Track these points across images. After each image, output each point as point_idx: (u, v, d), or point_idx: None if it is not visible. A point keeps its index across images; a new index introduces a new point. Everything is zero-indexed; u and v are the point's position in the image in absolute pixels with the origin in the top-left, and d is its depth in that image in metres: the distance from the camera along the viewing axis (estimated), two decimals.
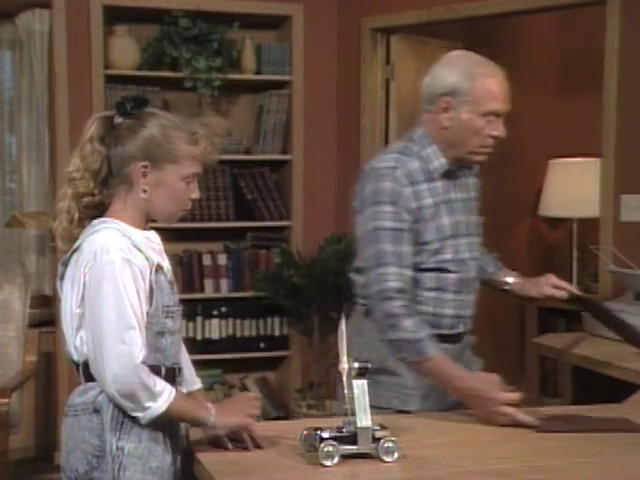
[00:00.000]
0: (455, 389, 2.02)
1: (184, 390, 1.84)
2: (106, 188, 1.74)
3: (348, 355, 1.73)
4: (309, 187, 4.38)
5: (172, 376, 1.75)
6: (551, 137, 5.02)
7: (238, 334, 4.29)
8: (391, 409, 2.13)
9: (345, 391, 1.72)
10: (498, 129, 2.16)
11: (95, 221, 1.73)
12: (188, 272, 4.25)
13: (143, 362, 1.64)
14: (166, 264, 1.78)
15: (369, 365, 1.73)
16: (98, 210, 1.75)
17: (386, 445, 1.69)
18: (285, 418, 4.14)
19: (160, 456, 1.71)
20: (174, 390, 1.68)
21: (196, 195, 1.77)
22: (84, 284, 1.67)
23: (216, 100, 4.26)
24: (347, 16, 4.34)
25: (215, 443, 1.77)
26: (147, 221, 1.77)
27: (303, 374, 4.36)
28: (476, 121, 2.13)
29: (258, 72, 4.31)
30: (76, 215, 1.74)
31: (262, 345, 4.33)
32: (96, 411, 1.69)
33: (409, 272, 2.07)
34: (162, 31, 4.12)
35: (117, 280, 1.64)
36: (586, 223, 4.60)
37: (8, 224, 4.06)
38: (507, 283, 2.36)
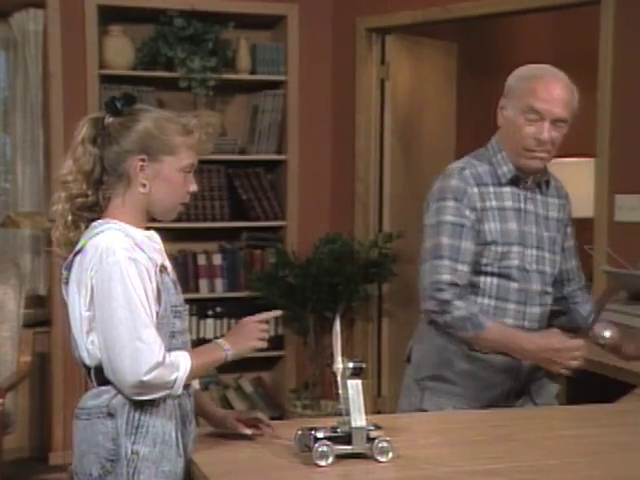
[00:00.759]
0: (524, 351, 2.07)
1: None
2: (101, 188, 1.74)
3: (342, 355, 1.73)
4: (304, 187, 4.38)
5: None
6: None
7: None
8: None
9: (339, 391, 1.72)
10: (539, 130, 2.12)
11: (96, 222, 1.72)
12: (183, 272, 4.24)
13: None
14: (168, 264, 1.78)
15: (364, 365, 1.73)
16: (93, 212, 1.75)
17: (380, 445, 1.69)
18: (280, 418, 4.14)
19: (173, 459, 1.70)
20: (186, 353, 1.69)
21: (194, 188, 1.77)
22: (92, 287, 1.66)
23: (211, 100, 4.25)
24: (342, 16, 4.34)
25: (232, 433, 1.80)
26: (146, 219, 1.77)
27: (298, 374, 4.36)
28: (517, 118, 2.14)
29: (253, 72, 4.30)
30: (69, 217, 1.73)
31: None
32: (110, 415, 1.67)
33: (466, 268, 2.12)
34: (157, 31, 4.11)
35: (125, 280, 1.63)
36: (580, 223, 4.57)
37: (2, 224, 4.05)
38: (603, 338, 2.29)
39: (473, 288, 2.15)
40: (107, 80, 4.04)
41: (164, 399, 1.68)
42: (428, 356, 2.24)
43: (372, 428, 1.72)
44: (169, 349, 1.69)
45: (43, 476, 3.81)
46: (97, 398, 1.70)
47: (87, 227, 1.73)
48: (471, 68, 4.68)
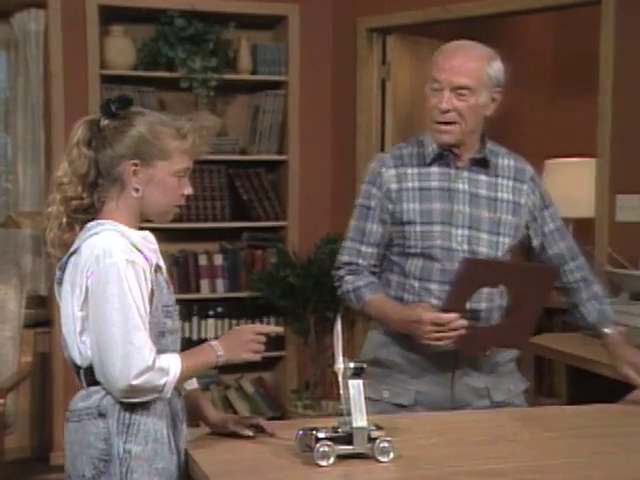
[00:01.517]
0: (392, 321, 2.12)
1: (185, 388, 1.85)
2: (96, 191, 1.74)
3: (344, 355, 1.73)
4: (305, 187, 4.38)
5: None
6: (546, 137, 5.02)
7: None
8: (383, 401, 2.17)
9: (341, 391, 1.72)
10: (440, 100, 2.09)
11: (92, 223, 1.72)
12: (184, 272, 4.25)
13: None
14: (162, 264, 1.78)
15: (365, 365, 1.73)
16: (88, 214, 1.75)
17: (382, 445, 1.69)
18: (281, 418, 4.14)
19: (166, 457, 1.71)
20: (177, 355, 1.69)
21: (188, 191, 1.77)
22: (87, 287, 1.66)
23: (212, 100, 4.25)
24: (343, 16, 4.34)
25: (234, 434, 1.81)
26: (141, 221, 1.77)
27: (299, 374, 4.36)
28: (427, 91, 2.14)
29: (254, 72, 4.31)
30: (64, 220, 1.74)
31: None
32: (101, 415, 1.68)
33: (370, 249, 2.18)
34: (158, 31, 4.11)
35: (122, 282, 1.63)
36: (581, 223, 4.60)
37: (4, 224, 4.06)
38: (602, 337, 2.23)
39: (400, 270, 2.17)
40: (108, 80, 4.04)
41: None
42: (367, 341, 2.29)
43: (373, 428, 1.72)
44: (158, 349, 1.69)
45: (44, 476, 3.81)
46: (87, 399, 1.70)
47: (82, 229, 1.73)
48: None
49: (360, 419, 1.69)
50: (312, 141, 4.38)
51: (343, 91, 4.37)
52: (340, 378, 1.72)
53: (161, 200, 1.74)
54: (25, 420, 3.97)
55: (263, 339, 1.76)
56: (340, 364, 1.72)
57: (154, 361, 1.63)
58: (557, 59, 5.09)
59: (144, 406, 1.68)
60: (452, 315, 2.01)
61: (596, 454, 1.79)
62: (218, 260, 4.31)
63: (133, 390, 1.63)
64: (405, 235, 2.15)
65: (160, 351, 1.70)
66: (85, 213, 1.75)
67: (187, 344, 4.46)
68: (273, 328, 1.88)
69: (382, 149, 4.30)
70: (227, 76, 4.20)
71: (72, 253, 1.71)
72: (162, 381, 1.65)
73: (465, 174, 2.16)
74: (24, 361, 3.57)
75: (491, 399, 2.18)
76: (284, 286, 4.13)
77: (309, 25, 4.34)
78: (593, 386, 2.83)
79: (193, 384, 1.90)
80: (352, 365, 1.72)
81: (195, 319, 4.25)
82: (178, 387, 1.76)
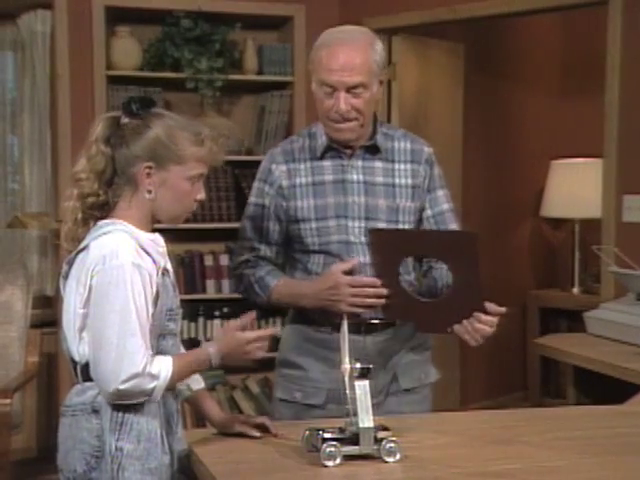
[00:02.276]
0: (305, 296, 2.07)
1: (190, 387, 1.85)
2: (111, 189, 1.75)
3: (350, 356, 1.73)
4: None
5: None
6: (553, 138, 5.02)
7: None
8: (296, 402, 2.15)
9: (347, 392, 1.72)
10: (337, 102, 2.02)
11: (102, 222, 1.72)
12: (190, 273, 4.25)
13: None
14: (170, 267, 1.78)
15: (371, 366, 1.73)
16: (103, 211, 1.75)
17: (388, 446, 1.69)
18: None
19: (159, 456, 1.71)
20: (169, 359, 1.68)
21: (202, 196, 1.77)
22: (91, 286, 1.66)
23: (218, 101, 4.25)
24: (349, 17, 4.33)
25: (240, 434, 1.81)
26: (152, 222, 1.77)
27: None
28: (317, 91, 2.07)
29: (260, 73, 4.30)
30: (80, 215, 1.74)
31: None
32: (95, 411, 1.69)
33: (269, 248, 2.15)
34: (164, 32, 4.12)
35: (126, 285, 1.63)
36: (588, 224, 4.60)
37: (10, 225, 4.06)
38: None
39: (303, 267, 2.12)
40: (114, 81, 4.04)
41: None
42: (281, 341, 2.25)
43: (380, 429, 1.72)
44: (158, 350, 1.70)
45: (50, 476, 3.80)
46: (82, 395, 1.71)
47: (95, 225, 1.74)
48: (478, 69, 4.68)
49: (366, 420, 1.69)
50: None
51: None
52: (346, 379, 1.71)
53: (173, 204, 1.74)
54: (31, 420, 3.97)
55: (261, 344, 1.75)
56: (346, 365, 1.72)
57: (144, 367, 1.63)
58: (564, 59, 5.09)
59: (138, 405, 1.68)
60: (370, 278, 1.97)
61: (604, 455, 1.78)
62: (224, 260, 4.30)
63: (120, 394, 1.64)
64: (301, 233, 2.11)
65: (159, 353, 1.71)
66: (100, 210, 1.75)
67: (193, 345, 4.45)
68: (269, 331, 1.84)
69: None
70: (233, 77, 4.20)
71: (81, 250, 1.71)
72: (151, 385, 1.65)
73: (359, 163, 2.11)
74: (30, 361, 3.58)
75: (398, 385, 2.14)
76: None
77: (315, 26, 4.32)
78: (600, 387, 2.83)
79: (200, 384, 1.90)
80: (358, 366, 1.72)
81: (201, 319, 4.24)
82: (174, 389, 1.76)
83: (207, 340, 4.22)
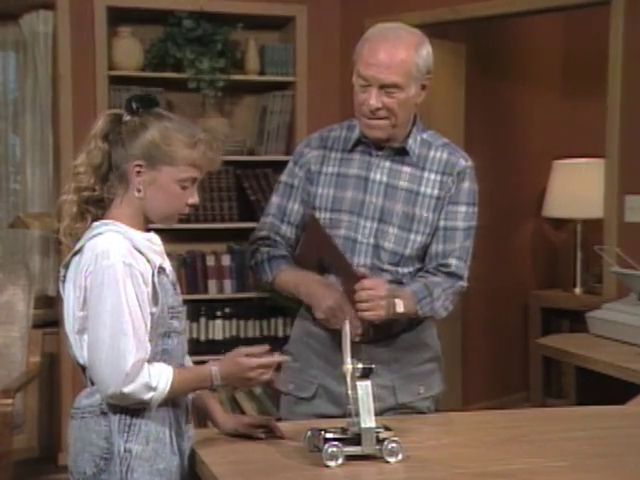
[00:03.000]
0: (300, 292, 2.05)
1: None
2: (106, 185, 1.75)
3: (352, 356, 1.73)
4: None
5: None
6: (555, 138, 5.02)
7: (242, 335, 4.29)
8: (288, 394, 2.14)
9: (349, 392, 1.71)
10: (368, 97, 1.99)
11: (97, 223, 1.73)
12: (192, 273, 4.25)
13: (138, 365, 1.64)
14: (168, 265, 1.78)
15: (373, 366, 1.73)
16: (99, 207, 1.75)
17: (390, 446, 1.69)
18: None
19: (167, 457, 1.71)
20: (171, 370, 1.67)
21: (193, 200, 1.75)
22: (85, 288, 1.67)
23: (220, 101, 4.26)
24: (350, 17, 4.34)
25: (245, 434, 1.81)
26: (147, 222, 1.77)
27: None
28: (355, 83, 2.04)
29: (262, 73, 4.31)
30: (75, 209, 1.74)
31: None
32: (103, 413, 1.69)
33: (289, 229, 2.13)
34: (166, 32, 4.12)
35: (117, 285, 1.63)
36: (590, 224, 4.60)
37: (12, 225, 4.07)
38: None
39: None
40: (116, 81, 4.04)
41: None
42: (291, 334, 2.24)
43: (382, 429, 1.71)
44: (163, 349, 1.70)
45: (52, 476, 3.82)
46: (90, 397, 1.71)
47: (93, 221, 1.74)
48: (480, 69, 4.67)
49: (368, 420, 1.69)
50: None
51: (351, 92, 4.36)
52: (348, 379, 1.71)
53: (162, 205, 1.74)
54: (33, 420, 3.98)
55: (267, 372, 1.74)
56: (348, 365, 1.72)
57: (134, 368, 1.62)
58: (565, 59, 5.08)
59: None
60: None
61: (606, 456, 1.78)
62: (226, 261, 4.31)
63: (120, 397, 1.63)
64: None
65: (165, 352, 1.71)
66: (95, 206, 1.75)
67: (195, 345, 4.45)
68: (276, 359, 1.80)
69: None
70: (235, 77, 4.20)
71: (76, 252, 1.72)
72: (147, 396, 1.64)
73: (386, 164, 2.07)
74: (32, 361, 3.58)
75: (396, 399, 2.08)
76: None
77: (317, 26, 4.34)
78: (602, 387, 2.82)
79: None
80: (360, 366, 1.72)
81: (203, 320, 4.25)
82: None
83: (208, 340, 4.23)
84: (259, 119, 4.39)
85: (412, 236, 2.06)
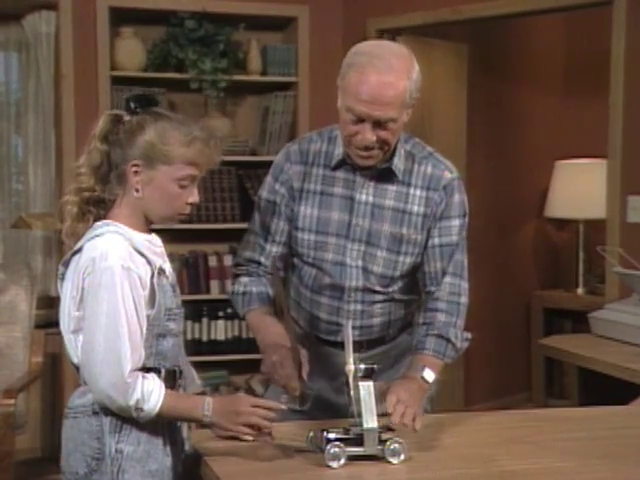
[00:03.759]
0: (258, 341, 1.94)
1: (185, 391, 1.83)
2: (107, 186, 1.74)
3: (354, 356, 1.73)
4: None
5: (172, 378, 1.74)
6: (557, 138, 5.01)
7: (244, 335, 4.29)
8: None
9: (351, 392, 1.71)
10: (362, 135, 1.86)
11: (98, 223, 1.72)
12: (194, 273, 4.25)
13: (136, 368, 1.64)
14: (168, 267, 1.77)
15: (375, 367, 1.73)
16: (100, 207, 1.75)
17: (392, 447, 1.69)
18: None
19: (160, 459, 1.71)
20: (164, 390, 1.66)
21: (193, 199, 1.73)
22: (82, 288, 1.67)
23: (222, 101, 4.26)
24: (353, 17, 4.34)
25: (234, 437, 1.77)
26: (148, 222, 1.76)
27: None
28: (341, 111, 1.90)
29: (264, 73, 4.31)
30: (75, 209, 1.74)
31: None
32: (95, 413, 1.69)
33: (276, 247, 2.03)
34: (168, 32, 4.12)
35: (114, 287, 1.63)
36: (592, 224, 4.59)
37: (14, 225, 4.07)
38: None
39: (297, 274, 2.04)
40: (118, 81, 4.05)
41: None
42: None
43: (384, 430, 1.71)
44: (158, 350, 1.70)
45: (54, 476, 3.81)
46: (83, 397, 1.71)
47: (95, 221, 1.73)
48: (482, 69, 4.67)
49: (371, 420, 1.69)
50: None
51: None
52: (350, 379, 1.71)
53: (160, 205, 1.72)
54: (36, 420, 3.98)
55: (262, 412, 1.68)
56: (350, 365, 1.72)
57: (131, 371, 1.61)
58: (568, 59, 5.08)
59: None
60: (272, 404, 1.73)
61: (609, 456, 1.78)
62: (228, 261, 4.30)
63: (108, 400, 1.63)
64: (298, 241, 2.01)
65: (159, 353, 1.71)
66: (96, 207, 1.75)
67: (197, 345, 4.46)
68: (274, 405, 1.73)
69: None
70: (237, 77, 4.20)
71: (75, 252, 1.71)
72: (134, 414, 1.64)
73: (372, 183, 1.97)
74: (35, 362, 3.58)
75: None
76: None
77: (319, 26, 4.34)
78: (604, 388, 2.82)
79: (198, 388, 1.89)
80: (362, 367, 1.72)
81: (205, 320, 4.25)
82: (177, 388, 1.75)
83: (210, 340, 4.23)
84: (261, 119, 4.39)
85: (401, 258, 1.99)
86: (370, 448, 1.69)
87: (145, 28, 4.15)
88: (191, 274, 4.25)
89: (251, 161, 4.36)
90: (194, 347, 3.98)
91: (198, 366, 1.93)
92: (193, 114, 4.21)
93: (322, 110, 4.36)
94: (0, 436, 3.11)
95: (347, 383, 1.71)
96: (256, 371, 4.36)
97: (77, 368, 1.73)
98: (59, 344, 4.20)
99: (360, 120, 1.86)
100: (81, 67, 4.01)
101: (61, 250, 3.93)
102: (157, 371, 1.71)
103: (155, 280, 1.70)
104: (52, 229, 4.09)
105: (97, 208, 1.75)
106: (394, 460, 1.69)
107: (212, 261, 4.30)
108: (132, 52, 4.08)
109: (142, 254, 1.69)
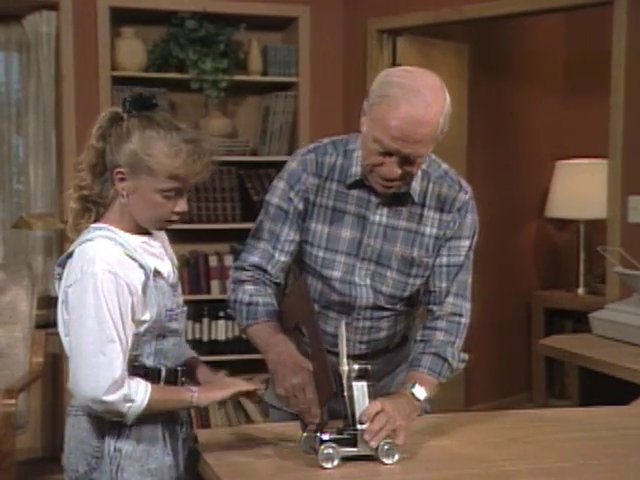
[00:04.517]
0: (267, 360, 1.84)
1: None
2: (104, 186, 1.73)
3: (348, 357, 1.72)
4: None
5: (174, 377, 1.74)
6: (558, 138, 5.01)
7: (244, 335, 4.28)
8: (282, 410, 1.95)
9: (345, 393, 1.70)
10: (388, 168, 1.81)
11: (92, 226, 1.71)
12: (194, 273, 4.25)
13: (123, 371, 1.63)
14: (166, 267, 1.76)
15: (369, 367, 1.72)
16: (99, 205, 1.74)
17: (386, 447, 1.68)
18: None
19: (159, 458, 1.71)
20: (149, 385, 1.66)
21: (180, 209, 1.70)
22: (70, 293, 1.67)
23: (222, 101, 4.26)
24: (353, 17, 4.34)
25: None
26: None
27: None
28: (367, 140, 1.83)
29: (264, 73, 4.31)
30: (75, 206, 1.73)
31: None
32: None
33: (283, 257, 1.95)
34: (169, 33, 4.12)
35: (99, 292, 1.62)
36: (593, 224, 4.59)
37: (15, 225, 4.07)
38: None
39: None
40: (119, 82, 4.05)
41: None
42: None
43: None
44: (159, 349, 1.70)
45: (55, 476, 3.82)
46: None
47: (95, 219, 1.73)
48: (482, 69, 4.67)
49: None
50: None
51: (353, 92, 4.36)
52: (344, 380, 1.71)
53: (143, 212, 1.70)
54: (36, 420, 3.98)
55: (248, 388, 1.74)
56: (344, 366, 1.71)
57: (122, 375, 1.61)
58: (568, 59, 5.08)
59: None
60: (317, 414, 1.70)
61: (610, 456, 1.78)
62: (228, 261, 4.31)
63: (100, 406, 1.62)
64: (307, 256, 1.96)
65: (159, 352, 1.71)
66: (96, 204, 1.73)
67: (198, 345, 4.46)
68: (253, 386, 1.77)
69: None
70: (238, 77, 4.20)
71: (69, 255, 1.71)
72: (125, 407, 1.63)
73: (387, 204, 1.92)
74: (35, 362, 3.58)
75: None
76: None
77: (320, 26, 4.34)
78: (604, 388, 2.82)
79: (190, 353, 1.88)
80: (356, 367, 1.71)
81: (205, 320, 4.25)
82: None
83: (211, 340, 4.23)
84: (262, 120, 4.39)
85: (411, 280, 1.97)
86: (364, 449, 1.68)
87: (146, 28, 4.15)
88: (192, 274, 4.25)
89: (252, 161, 4.36)
90: (194, 347, 3.92)
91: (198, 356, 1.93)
92: (194, 114, 4.23)
93: (323, 110, 4.37)
94: (1, 436, 3.11)
95: (341, 384, 1.70)
96: (257, 371, 4.38)
97: None
98: (59, 344, 4.21)
99: (388, 154, 1.80)
100: (82, 67, 4.01)
101: (61, 250, 3.94)
102: (157, 371, 1.71)
103: (150, 283, 1.68)
104: (53, 229, 4.10)
105: (96, 206, 1.74)
106: (388, 460, 1.68)
107: (213, 261, 4.30)
108: (133, 52, 4.08)
109: (134, 259, 1.67)
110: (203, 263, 4.29)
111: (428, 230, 1.95)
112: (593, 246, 4.07)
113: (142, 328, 1.68)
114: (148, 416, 1.68)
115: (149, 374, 1.70)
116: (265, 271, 1.96)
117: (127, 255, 1.67)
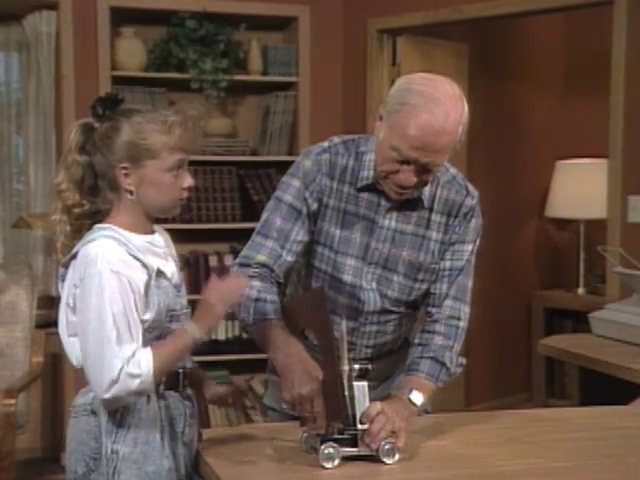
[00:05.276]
0: (275, 360, 1.78)
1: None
2: (100, 197, 1.72)
3: (349, 357, 1.72)
4: None
5: (175, 379, 1.74)
6: (558, 138, 5.01)
7: (244, 335, 4.29)
8: (282, 412, 1.94)
9: (346, 393, 1.70)
10: (404, 175, 1.80)
11: (97, 226, 1.70)
12: (194, 273, 4.25)
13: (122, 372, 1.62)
14: (170, 268, 1.75)
15: (369, 367, 1.72)
16: (94, 218, 1.72)
17: (387, 447, 1.68)
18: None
19: (157, 460, 1.70)
20: (148, 350, 1.62)
21: (188, 183, 1.71)
22: (75, 295, 1.67)
23: (222, 101, 4.26)
24: (353, 17, 4.34)
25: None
26: (149, 221, 1.75)
27: None
28: (384, 147, 1.82)
29: (264, 73, 4.31)
30: (68, 228, 1.72)
31: None
32: (93, 413, 1.69)
33: (290, 257, 1.91)
34: (169, 32, 4.12)
35: (102, 292, 1.61)
36: (593, 224, 4.59)
37: (15, 225, 4.07)
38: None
39: (310, 287, 1.97)
40: (119, 81, 4.05)
41: (147, 400, 1.68)
42: None
43: None
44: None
45: (55, 476, 3.82)
46: (85, 395, 1.71)
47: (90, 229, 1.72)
48: (482, 69, 4.67)
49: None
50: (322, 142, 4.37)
51: (353, 92, 4.36)
52: (345, 380, 1.71)
53: (158, 198, 1.70)
54: (36, 420, 3.98)
55: (235, 293, 1.70)
56: (345, 365, 1.71)
57: (120, 372, 1.60)
58: (568, 59, 5.08)
59: (135, 407, 1.67)
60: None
61: (609, 456, 1.77)
62: (228, 261, 4.30)
63: (109, 402, 1.64)
64: (317, 257, 1.94)
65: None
66: (90, 219, 1.72)
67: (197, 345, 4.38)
68: (240, 282, 1.74)
69: None
70: (238, 77, 4.20)
71: (73, 256, 1.70)
72: (135, 385, 1.61)
73: (397, 208, 1.92)
74: (35, 361, 3.58)
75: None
76: None
77: (319, 26, 4.34)
78: (604, 388, 2.82)
79: (189, 363, 1.87)
80: (357, 367, 1.71)
81: None
82: (185, 388, 1.76)
83: (211, 340, 4.23)
84: (262, 119, 4.39)
85: (417, 285, 1.97)
86: (364, 448, 1.68)
87: (146, 28, 4.15)
88: (192, 274, 4.24)
89: (252, 161, 4.36)
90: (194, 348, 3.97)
91: (199, 366, 1.92)
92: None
93: (323, 110, 4.37)
94: (1, 436, 3.11)
95: (341, 383, 1.70)
96: (257, 371, 4.39)
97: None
98: (59, 344, 4.21)
99: (405, 162, 1.79)
100: (82, 67, 4.01)
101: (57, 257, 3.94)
102: None
103: (153, 283, 1.68)
104: (53, 229, 4.09)
105: (92, 220, 1.72)
106: (388, 460, 1.68)
107: (213, 261, 4.30)
108: (133, 52, 4.08)
109: (138, 258, 1.67)
110: (203, 263, 4.28)
111: (434, 235, 1.95)
112: (593, 246, 4.07)
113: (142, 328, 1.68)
114: (146, 418, 1.68)
115: None
116: (272, 270, 1.92)
117: (130, 255, 1.66)
